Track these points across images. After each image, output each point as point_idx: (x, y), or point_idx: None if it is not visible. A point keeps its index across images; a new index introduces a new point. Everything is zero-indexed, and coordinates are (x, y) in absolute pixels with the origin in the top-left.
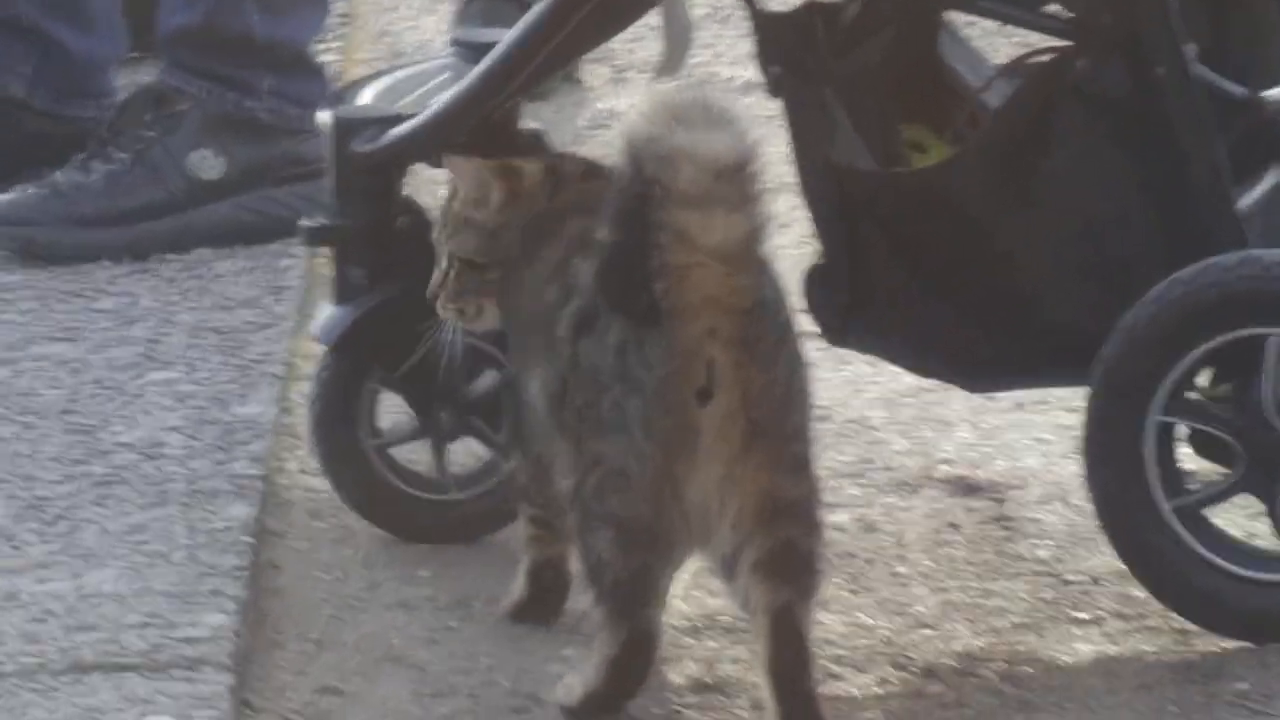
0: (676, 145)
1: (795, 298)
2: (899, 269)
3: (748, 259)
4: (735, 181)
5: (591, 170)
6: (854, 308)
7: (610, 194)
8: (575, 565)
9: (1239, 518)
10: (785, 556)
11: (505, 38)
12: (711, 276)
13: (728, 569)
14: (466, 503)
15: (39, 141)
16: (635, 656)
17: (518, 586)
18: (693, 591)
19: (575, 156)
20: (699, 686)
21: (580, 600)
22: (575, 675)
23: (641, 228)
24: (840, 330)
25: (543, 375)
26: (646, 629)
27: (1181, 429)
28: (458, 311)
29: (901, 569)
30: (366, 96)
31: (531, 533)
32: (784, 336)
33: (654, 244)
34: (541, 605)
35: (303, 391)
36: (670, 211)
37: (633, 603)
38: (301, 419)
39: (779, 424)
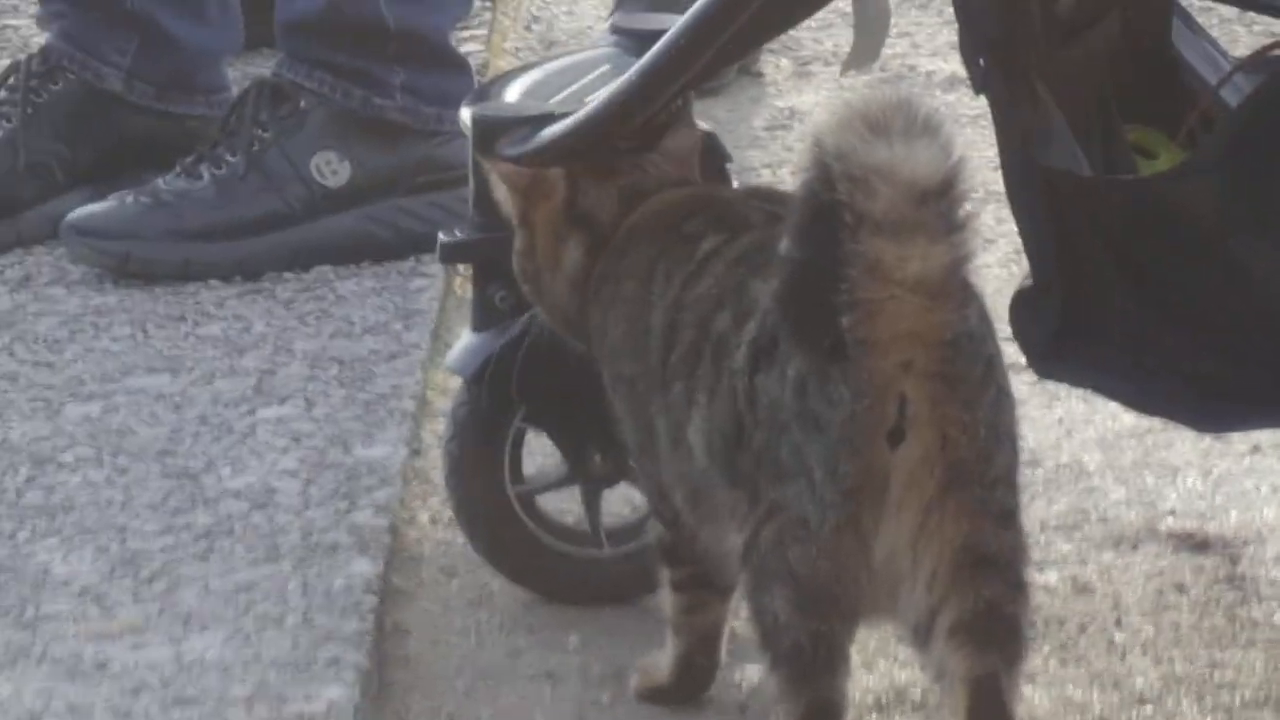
0: (872, 163)
1: (1001, 324)
2: (1120, 291)
3: (950, 291)
4: (939, 206)
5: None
6: (1068, 335)
7: (795, 201)
8: (728, 645)
9: None
10: (987, 620)
11: (673, 25)
12: (908, 310)
13: (921, 634)
14: (621, 559)
15: (139, 143)
16: None
17: (661, 669)
18: (878, 660)
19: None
20: None
21: (753, 670)
22: None
23: (830, 247)
24: (1052, 361)
25: (706, 415)
26: (830, 698)
27: None
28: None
29: (1119, 637)
30: (514, 93)
31: (681, 602)
32: (989, 371)
33: (843, 273)
34: (683, 692)
35: (436, 431)
36: (863, 240)
37: (814, 669)
38: (435, 462)
39: (982, 470)
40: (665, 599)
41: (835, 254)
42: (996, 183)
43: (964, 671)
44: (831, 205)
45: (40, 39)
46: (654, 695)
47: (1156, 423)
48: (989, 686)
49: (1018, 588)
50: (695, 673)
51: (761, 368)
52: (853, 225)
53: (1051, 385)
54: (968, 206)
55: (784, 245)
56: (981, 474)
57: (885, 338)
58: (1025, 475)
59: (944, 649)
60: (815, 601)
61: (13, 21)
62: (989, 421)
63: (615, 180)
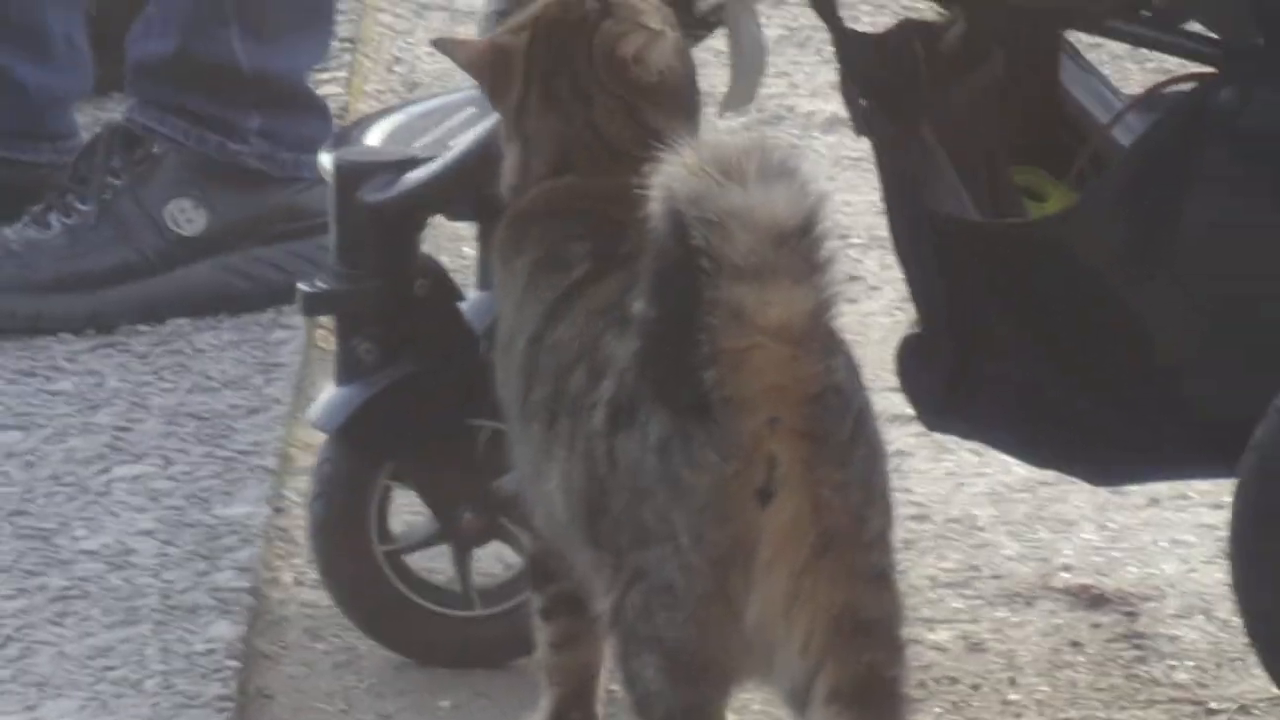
0: (728, 207)
1: (888, 374)
2: (1011, 339)
3: (815, 338)
4: (799, 247)
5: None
6: (957, 386)
7: (647, 259)
8: (604, 708)
9: None
10: (866, 685)
11: None
12: (773, 360)
13: (798, 699)
14: (494, 619)
15: None
16: None
17: None
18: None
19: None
20: None
21: None
22: None
23: (686, 301)
24: (941, 413)
25: (564, 470)
26: None
27: None
28: None
29: (1014, 696)
30: (376, 137)
31: (552, 635)
32: (859, 426)
33: (703, 324)
34: None
35: (300, 489)
36: (723, 286)
37: None
38: (299, 521)
39: (855, 530)
40: (537, 637)
41: (693, 307)
42: (880, 227)
43: None
44: (685, 257)
45: None
46: None
47: (1050, 475)
48: None
49: (896, 650)
50: (567, 713)
51: (621, 428)
52: (711, 272)
53: (940, 436)
54: (829, 248)
55: (638, 305)
56: (856, 536)
57: (751, 393)
58: (914, 530)
59: (822, 716)
60: (685, 669)
61: None
62: (861, 481)
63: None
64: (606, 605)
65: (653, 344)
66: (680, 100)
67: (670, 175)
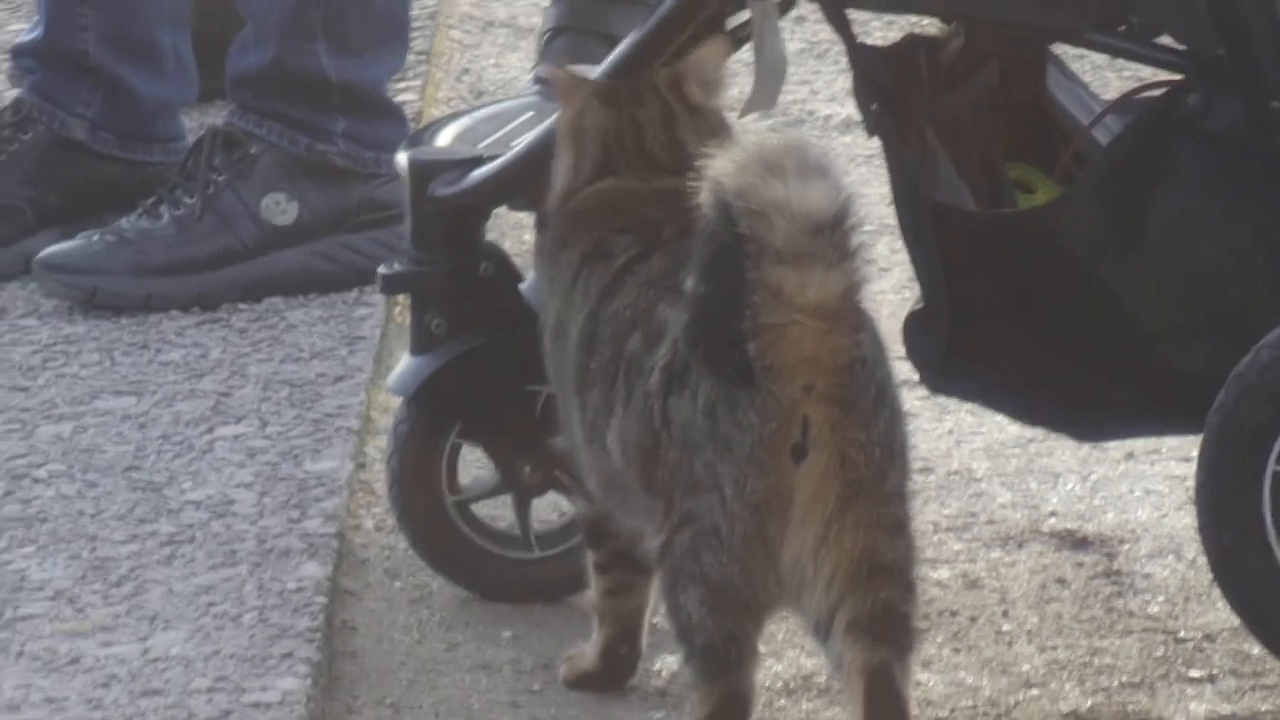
0: (770, 199)
1: (895, 344)
2: (1003, 313)
3: (845, 316)
4: (833, 237)
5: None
6: (956, 354)
7: (698, 242)
8: (648, 637)
9: None
10: (881, 617)
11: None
12: (809, 335)
13: (821, 630)
14: (550, 561)
15: (104, 187)
16: (729, 718)
17: (587, 656)
18: (787, 650)
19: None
20: None
21: (671, 659)
22: None
23: (732, 281)
24: (942, 378)
25: (623, 427)
26: (740, 690)
27: None
28: None
29: (1006, 627)
30: (446, 138)
31: (605, 585)
32: (882, 393)
33: (747, 302)
34: (608, 679)
35: (379, 446)
36: (765, 269)
37: (726, 665)
38: (378, 475)
39: (876, 485)
40: (592, 585)
41: (738, 287)
42: (889, 216)
43: (860, 663)
44: (733, 242)
45: (12, 93)
46: (581, 682)
47: (1039, 433)
48: (883, 676)
49: (907, 589)
50: (619, 661)
51: (674, 391)
52: (755, 256)
53: (942, 399)
54: (858, 238)
55: (690, 282)
56: (876, 490)
57: (789, 362)
58: (919, 481)
59: (842, 643)
60: (726, 604)
61: None
62: (882, 442)
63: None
64: (658, 543)
65: (701, 318)
66: (713, 126)
67: (720, 170)
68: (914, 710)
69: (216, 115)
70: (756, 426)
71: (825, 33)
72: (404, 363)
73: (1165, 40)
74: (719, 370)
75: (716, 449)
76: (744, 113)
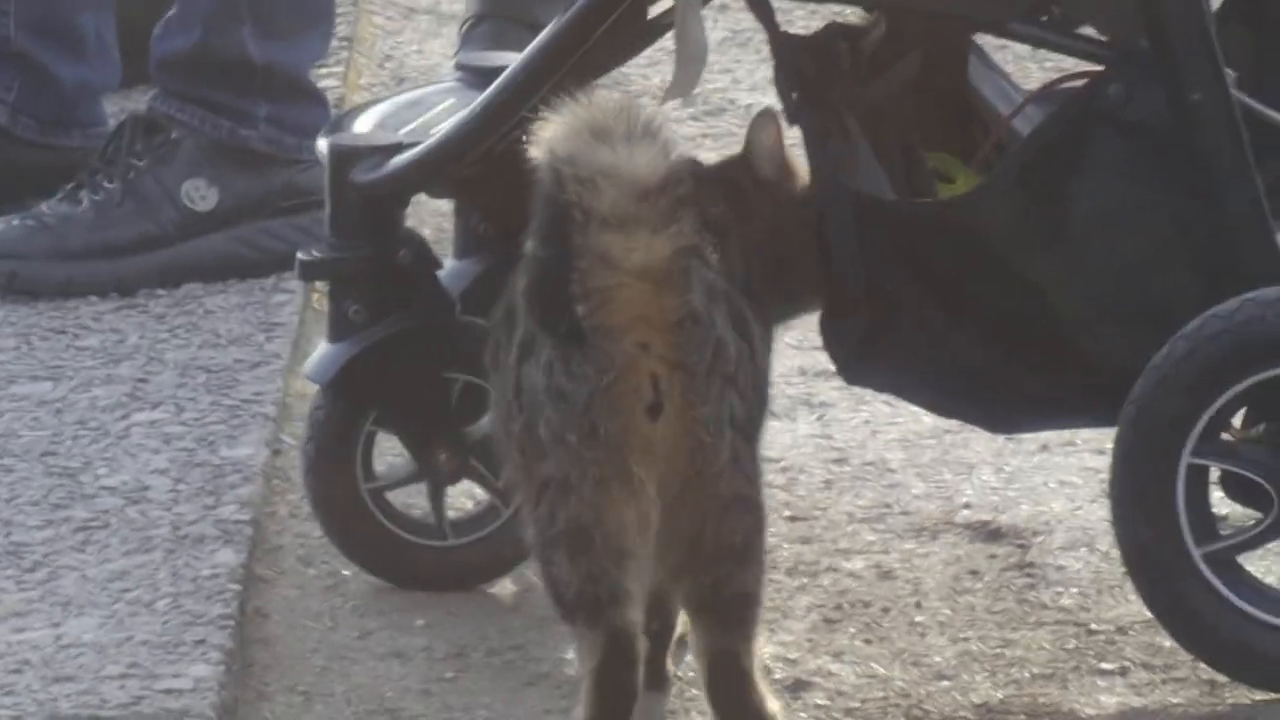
0: (597, 165)
1: (812, 334)
2: (920, 303)
3: (673, 277)
4: (658, 202)
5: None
6: (872, 344)
7: (537, 204)
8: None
9: (1274, 564)
10: (723, 598)
11: (513, 63)
12: (636, 296)
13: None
14: (464, 548)
15: (24, 171)
16: (617, 662)
17: None
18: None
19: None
20: None
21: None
22: None
23: (566, 243)
24: (858, 368)
25: (495, 401)
26: (620, 628)
27: (1214, 471)
28: None
29: (919, 618)
30: (367, 124)
31: None
32: (717, 359)
33: (577, 265)
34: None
35: (295, 433)
36: (591, 235)
37: (598, 604)
38: (293, 461)
39: (714, 456)
40: None
41: (570, 250)
42: None
43: (702, 647)
44: (564, 207)
45: None
46: None
47: (954, 424)
48: (727, 661)
49: (752, 567)
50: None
51: (524, 359)
52: (582, 222)
53: (858, 390)
54: (684, 203)
55: (529, 246)
56: (714, 462)
57: (619, 322)
58: (834, 471)
59: (687, 617)
60: (583, 546)
61: None
62: (714, 415)
63: None
64: (530, 533)
65: (539, 280)
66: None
67: (550, 135)
68: (763, 691)
69: (138, 101)
70: (591, 378)
71: (748, 21)
72: (321, 349)
73: (1087, 31)
74: (553, 330)
75: (554, 405)
76: (664, 100)
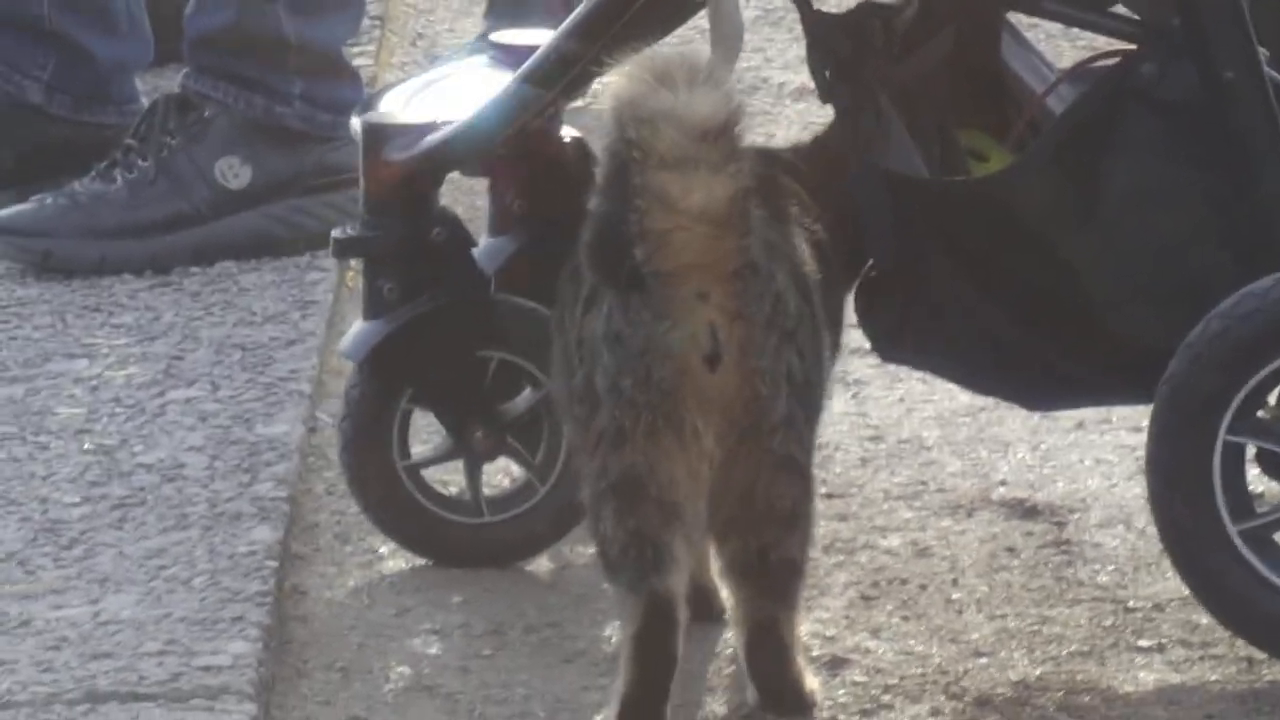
0: (658, 107)
1: (847, 313)
2: (955, 281)
3: (733, 221)
4: (718, 142)
5: None
6: (907, 322)
7: (601, 159)
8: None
9: None
10: (767, 563)
11: (546, 41)
12: (695, 240)
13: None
14: (501, 525)
15: (58, 149)
16: (659, 627)
17: None
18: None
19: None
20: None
21: (616, 631)
22: (611, 703)
23: (627, 196)
24: (893, 346)
25: (556, 362)
26: (664, 595)
27: (1251, 449)
28: None
29: (956, 595)
30: (400, 102)
31: None
32: (777, 312)
33: (634, 208)
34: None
35: (331, 411)
36: (649, 174)
37: (642, 567)
38: (329, 439)
39: (765, 413)
40: None
41: (631, 200)
42: None
43: (743, 614)
44: (624, 152)
45: None
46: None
47: (990, 401)
48: (767, 630)
49: (798, 534)
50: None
51: (587, 312)
52: (641, 162)
53: (893, 367)
54: (745, 145)
55: (592, 201)
56: (764, 419)
57: (676, 266)
58: (869, 449)
59: (728, 584)
60: (632, 501)
61: None
62: (771, 368)
63: None
64: (585, 492)
65: (599, 232)
66: None
67: (615, 83)
68: (802, 666)
69: (171, 79)
70: (648, 324)
71: (780, 0)
72: (356, 327)
73: (1120, 9)
74: (613, 279)
75: (611, 351)
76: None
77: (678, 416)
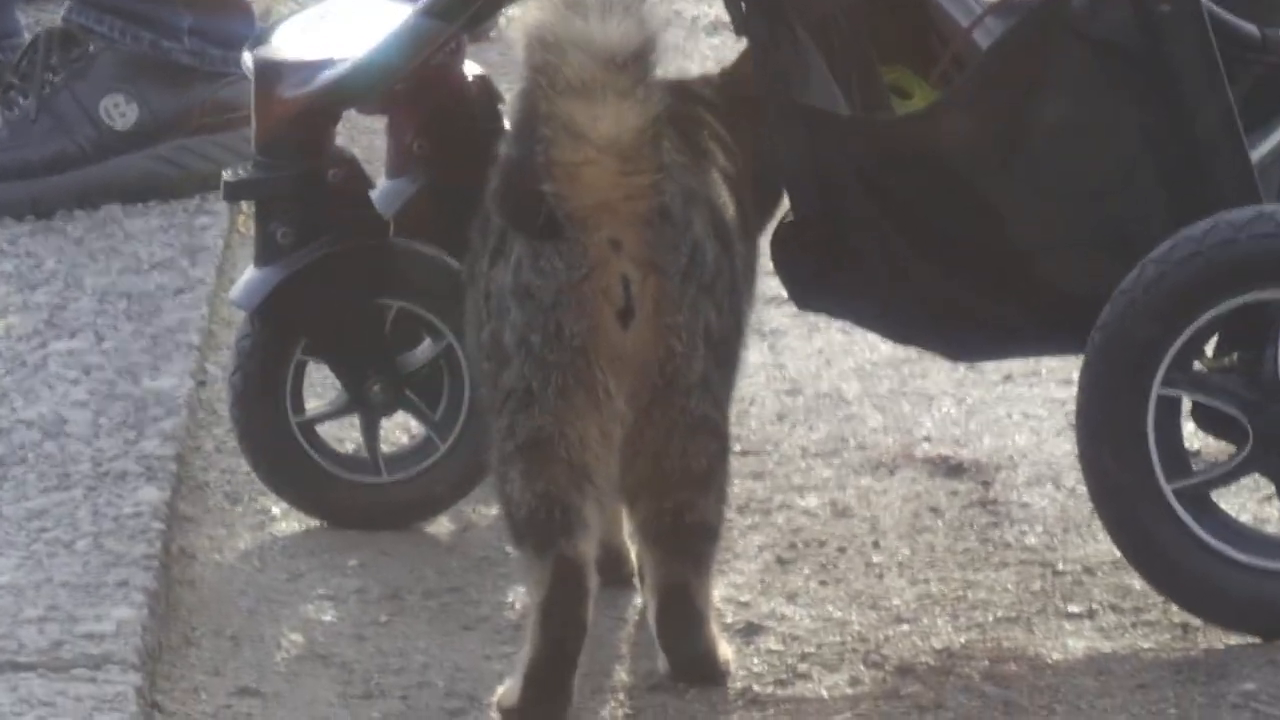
0: (567, 33)
1: (763, 260)
2: (877, 225)
3: (643, 154)
4: (628, 69)
5: None
6: (826, 268)
7: (512, 104)
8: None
9: (1248, 501)
10: (679, 527)
11: None
12: (605, 176)
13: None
14: (399, 485)
15: None
16: (567, 593)
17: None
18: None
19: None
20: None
21: (522, 591)
22: (516, 672)
23: (535, 135)
24: (811, 294)
25: (468, 314)
26: (571, 559)
27: (1185, 403)
28: None
29: (877, 558)
30: (295, 37)
31: None
32: (694, 265)
33: (541, 139)
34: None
35: (221, 363)
36: (556, 102)
37: (551, 531)
38: (219, 394)
39: (684, 373)
40: None
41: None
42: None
43: (655, 580)
44: (530, 81)
45: None
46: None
47: (913, 353)
48: (678, 595)
49: (713, 497)
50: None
51: (495, 263)
52: (547, 89)
53: (811, 317)
54: (657, 73)
55: (501, 147)
56: (683, 379)
57: (586, 207)
58: (786, 403)
59: (641, 549)
60: (540, 462)
61: None
62: (688, 324)
63: None
64: (493, 453)
65: (508, 178)
66: None
67: (525, 13)
68: (715, 633)
69: (54, 12)
70: (561, 273)
71: None
72: (248, 274)
73: None
74: (525, 225)
75: (520, 305)
76: None
77: (589, 375)
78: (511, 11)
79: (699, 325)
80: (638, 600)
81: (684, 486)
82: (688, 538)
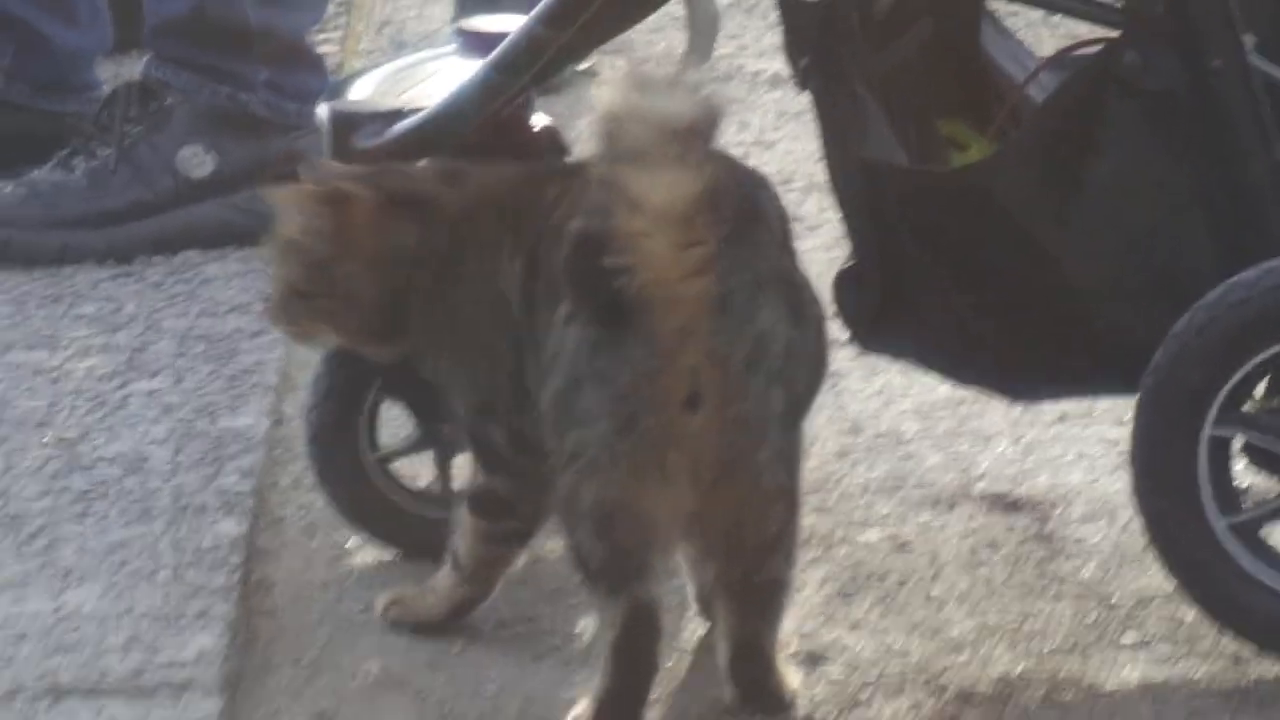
0: (630, 106)
1: (824, 303)
2: (935, 271)
3: (698, 225)
4: (686, 142)
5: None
6: (886, 312)
7: (591, 183)
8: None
9: None
10: (753, 584)
11: (517, 28)
12: (661, 248)
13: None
14: None
15: (18, 138)
16: (639, 634)
17: (432, 605)
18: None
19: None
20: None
21: (591, 621)
22: (585, 699)
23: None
24: (872, 336)
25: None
26: (644, 601)
27: (1237, 442)
28: (291, 333)
29: (936, 590)
30: (367, 90)
31: (489, 556)
32: (759, 352)
33: (602, 200)
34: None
35: (297, 403)
36: (611, 169)
37: (623, 577)
38: (295, 431)
39: (751, 454)
40: (469, 544)
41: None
42: (818, 173)
43: (727, 629)
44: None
45: None
46: (417, 627)
47: (970, 394)
48: (750, 641)
49: (783, 555)
50: (466, 613)
51: (570, 323)
52: (607, 159)
53: (872, 358)
54: (713, 147)
55: (575, 221)
56: (751, 457)
57: (651, 284)
58: (847, 442)
59: (714, 602)
60: (611, 524)
61: None
62: (757, 413)
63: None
64: (556, 495)
65: (579, 249)
66: None
67: (599, 92)
68: (782, 671)
69: (133, 65)
70: (635, 362)
71: None
72: None
73: None
74: (590, 305)
75: (593, 384)
76: (683, 68)
77: (659, 457)
78: (582, 67)
79: (767, 411)
80: (699, 630)
81: (754, 551)
82: (758, 595)
